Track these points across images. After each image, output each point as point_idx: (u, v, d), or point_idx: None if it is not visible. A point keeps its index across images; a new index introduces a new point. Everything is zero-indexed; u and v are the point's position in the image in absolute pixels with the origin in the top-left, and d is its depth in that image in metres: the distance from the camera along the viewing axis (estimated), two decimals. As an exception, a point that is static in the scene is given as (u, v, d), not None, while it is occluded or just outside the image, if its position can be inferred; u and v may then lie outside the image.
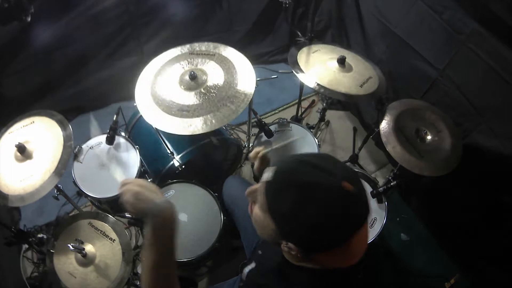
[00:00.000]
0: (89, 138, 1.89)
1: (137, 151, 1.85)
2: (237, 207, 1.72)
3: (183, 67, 1.76)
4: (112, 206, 1.88)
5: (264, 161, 1.28)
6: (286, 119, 2.08)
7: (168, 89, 1.67)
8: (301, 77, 1.80)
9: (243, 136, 2.67)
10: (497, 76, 1.64)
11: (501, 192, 1.78)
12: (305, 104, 2.89)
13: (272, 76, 2.26)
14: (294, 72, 1.82)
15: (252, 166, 1.44)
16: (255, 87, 1.69)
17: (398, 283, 2.03)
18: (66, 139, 1.58)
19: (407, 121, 1.81)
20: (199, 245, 1.68)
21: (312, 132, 2.09)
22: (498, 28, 1.58)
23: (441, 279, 2.01)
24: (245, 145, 2.37)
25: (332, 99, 2.61)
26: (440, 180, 1.74)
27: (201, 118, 1.57)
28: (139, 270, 2.07)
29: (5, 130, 1.64)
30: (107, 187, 1.76)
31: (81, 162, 1.81)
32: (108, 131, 1.77)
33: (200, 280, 2.09)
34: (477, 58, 1.70)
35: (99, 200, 1.80)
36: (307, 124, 2.72)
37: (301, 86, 2.25)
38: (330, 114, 2.84)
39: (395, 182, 1.76)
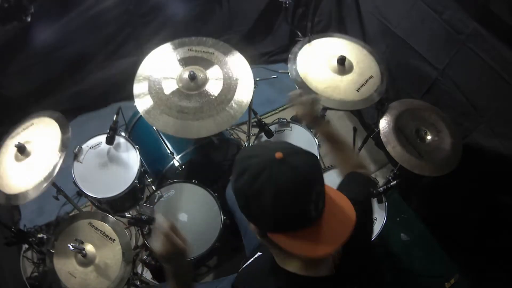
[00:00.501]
0: (89, 138, 1.89)
1: (137, 151, 1.85)
2: (238, 207, 1.72)
3: (183, 67, 1.76)
4: (112, 206, 1.89)
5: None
6: (286, 119, 2.08)
7: (168, 89, 1.67)
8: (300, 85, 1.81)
9: (243, 136, 2.67)
10: (497, 76, 1.64)
11: (501, 192, 1.78)
12: (305, 104, 2.89)
13: (272, 76, 2.26)
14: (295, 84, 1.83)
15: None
16: (255, 87, 1.69)
17: (398, 283, 2.03)
18: (64, 134, 1.58)
19: (407, 121, 1.81)
20: (199, 245, 1.68)
21: (312, 132, 2.09)
22: (498, 28, 1.58)
23: (441, 279, 2.00)
24: (245, 145, 2.37)
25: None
26: (440, 180, 1.74)
27: (200, 121, 1.57)
28: (139, 270, 2.07)
29: (7, 136, 1.65)
30: (107, 187, 1.76)
31: (81, 162, 1.81)
32: (108, 131, 1.77)
33: (200, 280, 2.09)
34: (477, 58, 1.70)
35: (99, 200, 1.80)
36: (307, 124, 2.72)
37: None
38: (330, 114, 2.83)
39: (395, 182, 1.76)
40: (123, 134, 1.90)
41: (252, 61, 1.76)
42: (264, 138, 1.99)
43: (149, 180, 2.03)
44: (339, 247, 0.84)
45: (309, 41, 1.96)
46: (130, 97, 1.68)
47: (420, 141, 1.77)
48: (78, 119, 2.77)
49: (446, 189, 2.02)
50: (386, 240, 2.13)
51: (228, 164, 2.33)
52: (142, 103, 1.63)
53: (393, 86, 2.24)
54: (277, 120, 2.08)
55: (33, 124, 1.65)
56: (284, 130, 2.06)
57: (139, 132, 2.07)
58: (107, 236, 1.63)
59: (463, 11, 1.71)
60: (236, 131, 2.71)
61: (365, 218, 1.04)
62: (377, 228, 1.74)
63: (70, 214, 2.29)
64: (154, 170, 2.00)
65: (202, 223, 1.77)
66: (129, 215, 1.65)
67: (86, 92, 2.72)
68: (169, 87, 1.68)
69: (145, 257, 1.86)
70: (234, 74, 1.72)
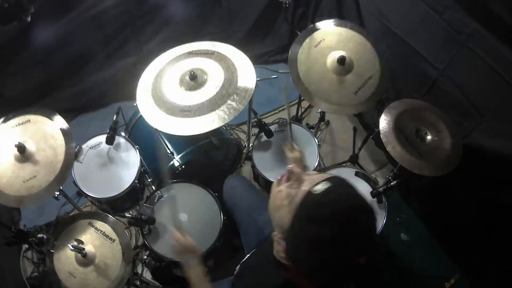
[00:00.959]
0: (89, 138, 1.89)
1: (137, 151, 1.85)
2: (237, 207, 1.72)
3: (183, 67, 1.75)
4: (112, 206, 1.89)
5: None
6: (286, 119, 2.08)
7: (169, 90, 1.67)
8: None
9: (243, 136, 2.67)
10: (497, 76, 1.64)
11: (501, 192, 1.78)
12: (305, 104, 2.89)
13: (272, 76, 2.27)
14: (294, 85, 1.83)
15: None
16: (255, 87, 1.69)
17: (398, 283, 2.03)
18: (68, 142, 1.58)
19: (407, 121, 1.81)
20: (199, 245, 1.66)
21: (312, 132, 2.09)
22: (498, 28, 1.58)
23: (441, 279, 2.00)
24: (245, 145, 2.37)
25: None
26: (440, 180, 1.74)
27: (203, 117, 1.57)
28: (139, 270, 2.07)
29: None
30: (107, 187, 1.76)
31: (81, 162, 1.81)
32: (108, 131, 1.77)
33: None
34: (477, 58, 1.70)
35: (99, 200, 1.80)
36: (307, 124, 2.72)
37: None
38: (330, 114, 2.83)
39: (395, 182, 1.76)
40: (123, 134, 1.90)
41: (252, 61, 1.76)
42: (264, 138, 1.99)
43: (149, 180, 2.03)
44: None
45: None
46: (130, 97, 1.68)
47: (420, 141, 1.77)
48: (78, 119, 2.77)
49: (446, 189, 2.02)
50: (386, 240, 2.13)
51: (228, 164, 2.33)
52: (144, 105, 1.63)
53: (393, 86, 2.24)
54: (277, 120, 2.08)
55: (29, 120, 1.64)
56: (284, 130, 2.06)
57: (139, 132, 2.07)
58: (107, 236, 1.63)
59: (463, 11, 1.71)
60: (236, 131, 2.71)
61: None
62: (377, 228, 1.74)
63: (70, 214, 2.29)
64: (154, 170, 2.00)
65: (202, 223, 1.77)
66: (129, 215, 1.65)
67: (86, 92, 2.72)
68: (170, 87, 1.68)
69: (145, 257, 1.86)
70: (234, 69, 1.72)
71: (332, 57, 1.83)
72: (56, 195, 1.70)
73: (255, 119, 1.97)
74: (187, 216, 1.77)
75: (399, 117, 1.81)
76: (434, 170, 1.69)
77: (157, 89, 1.68)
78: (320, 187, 0.82)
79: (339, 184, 0.85)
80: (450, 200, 2.06)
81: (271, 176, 1.91)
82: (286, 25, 2.98)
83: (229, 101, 1.61)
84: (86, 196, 1.77)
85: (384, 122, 1.80)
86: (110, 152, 1.86)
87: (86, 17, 2.35)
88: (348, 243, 0.79)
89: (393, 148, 1.72)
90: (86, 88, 2.70)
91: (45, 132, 1.61)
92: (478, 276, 1.99)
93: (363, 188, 1.87)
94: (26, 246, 2.13)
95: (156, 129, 1.60)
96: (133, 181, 1.78)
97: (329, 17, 2.82)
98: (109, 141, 1.77)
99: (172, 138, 1.95)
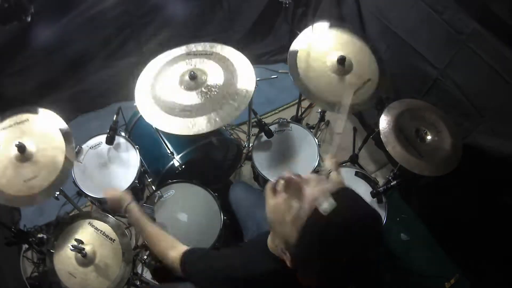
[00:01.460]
0: (89, 138, 1.89)
1: (137, 151, 1.85)
2: (241, 207, 1.76)
3: (182, 68, 1.75)
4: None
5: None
6: (286, 119, 2.08)
7: (169, 90, 1.67)
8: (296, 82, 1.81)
9: (243, 136, 2.67)
10: (497, 76, 1.64)
11: (501, 192, 1.78)
12: (305, 104, 2.89)
13: (272, 76, 2.27)
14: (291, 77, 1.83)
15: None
16: (255, 87, 1.69)
17: (398, 283, 2.03)
18: (68, 142, 1.58)
19: (407, 121, 1.81)
20: (199, 245, 1.68)
21: (312, 132, 2.09)
22: (498, 28, 1.58)
23: (441, 279, 2.00)
24: (245, 145, 2.37)
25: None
26: (440, 180, 1.74)
27: (204, 117, 1.57)
28: (139, 270, 2.07)
29: None
30: (107, 187, 1.75)
31: (81, 162, 1.81)
32: (108, 131, 1.77)
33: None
34: (477, 58, 1.70)
35: (99, 200, 1.80)
36: (307, 124, 2.72)
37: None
38: (330, 114, 2.83)
39: (395, 182, 1.76)
40: (123, 134, 1.90)
41: (252, 61, 1.76)
42: (264, 138, 1.99)
43: (149, 180, 2.03)
44: None
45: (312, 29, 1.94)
46: (130, 97, 1.68)
47: (420, 141, 1.77)
48: (78, 119, 2.77)
49: (446, 189, 2.02)
50: (386, 240, 2.13)
51: (228, 164, 2.33)
52: (145, 106, 1.63)
53: (393, 86, 2.24)
54: (277, 120, 2.08)
55: (28, 120, 1.63)
56: (284, 130, 2.06)
57: (139, 132, 2.07)
58: (107, 236, 1.63)
59: (463, 11, 1.71)
60: (236, 131, 2.71)
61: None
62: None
63: (70, 214, 2.29)
64: (154, 170, 2.00)
65: (202, 223, 1.77)
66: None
67: (86, 92, 2.72)
68: (171, 88, 1.68)
69: (145, 257, 1.86)
70: (233, 70, 1.73)
71: (332, 58, 1.83)
72: (56, 195, 1.70)
73: (255, 119, 1.97)
74: (187, 216, 1.77)
75: (399, 117, 1.81)
76: (434, 170, 1.69)
77: (156, 90, 1.68)
78: (328, 207, 0.79)
79: (346, 200, 0.82)
80: (450, 200, 2.06)
81: (271, 176, 1.91)
82: (286, 25, 2.98)
83: (230, 101, 1.61)
84: (86, 196, 1.77)
85: (384, 122, 1.80)
86: (110, 152, 1.86)
87: (86, 17, 2.35)
88: (359, 254, 0.81)
89: (393, 148, 1.72)
90: (86, 88, 2.70)
91: (45, 132, 1.61)
92: (478, 276, 1.99)
93: (363, 188, 1.87)
94: (26, 246, 2.12)
95: (156, 129, 1.61)
96: (133, 181, 1.78)
97: (329, 17, 2.84)
98: (109, 141, 1.77)
99: (172, 138, 1.95)
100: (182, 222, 1.75)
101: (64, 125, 1.64)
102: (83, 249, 1.52)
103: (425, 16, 1.91)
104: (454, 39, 1.78)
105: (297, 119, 2.54)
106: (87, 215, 1.69)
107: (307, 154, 1.98)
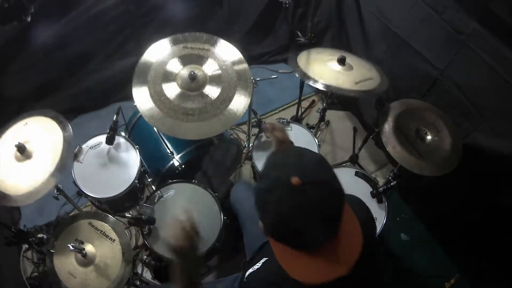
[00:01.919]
0: (89, 138, 1.89)
1: (137, 151, 1.85)
2: (242, 207, 1.75)
3: (182, 68, 1.75)
4: (112, 206, 1.88)
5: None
6: (286, 119, 2.08)
7: (169, 91, 1.67)
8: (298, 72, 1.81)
9: (243, 136, 2.67)
10: (497, 76, 1.64)
11: (501, 192, 1.78)
12: (305, 104, 2.89)
13: (272, 76, 2.27)
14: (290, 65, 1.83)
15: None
16: (255, 87, 1.69)
17: (398, 283, 2.03)
18: (66, 137, 1.58)
19: (407, 121, 1.81)
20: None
21: (312, 132, 2.09)
22: (498, 28, 1.58)
23: (441, 279, 2.01)
24: (245, 145, 2.37)
25: (332, 99, 2.61)
26: (440, 180, 1.74)
27: (207, 122, 1.58)
28: (139, 270, 2.07)
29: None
30: (107, 187, 1.76)
31: (81, 162, 1.81)
32: (108, 131, 1.77)
33: (200, 280, 2.09)
34: (477, 58, 1.70)
35: (99, 200, 1.80)
36: (307, 124, 2.72)
37: (301, 86, 2.25)
38: (330, 114, 2.83)
39: (395, 182, 1.76)
40: (123, 134, 1.90)
41: (252, 61, 1.76)
42: (264, 138, 1.99)
43: (149, 180, 2.03)
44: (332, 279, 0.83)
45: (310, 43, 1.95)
46: (130, 97, 1.68)
47: (420, 141, 1.77)
48: (78, 119, 2.77)
49: (446, 189, 2.02)
50: (386, 240, 2.13)
51: (228, 164, 2.33)
52: (146, 108, 1.63)
53: (393, 86, 2.24)
54: (277, 120, 2.07)
55: (26, 123, 1.64)
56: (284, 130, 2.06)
57: (139, 132, 2.07)
58: (107, 236, 1.63)
59: (464, 11, 1.71)
60: (236, 131, 2.71)
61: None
62: (377, 228, 1.74)
63: (70, 214, 2.29)
64: (154, 170, 2.00)
65: (202, 223, 1.77)
66: (129, 215, 1.65)
67: (86, 92, 2.72)
68: (171, 90, 1.68)
69: (145, 257, 1.86)
70: (231, 67, 1.73)
71: (332, 59, 1.84)
72: (56, 195, 1.70)
73: (255, 119, 1.97)
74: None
75: (399, 117, 1.81)
76: (434, 170, 1.69)
77: (156, 90, 1.68)
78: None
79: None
80: (450, 200, 2.06)
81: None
82: (286, 25, 2.98)
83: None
84: (86, 196, 1.77)
85: (384, 122, 1.80)
86: (110, 152, 1.86)
87: (86, 17, 2.35)
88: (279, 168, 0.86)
89: (393, 148, 1.72)
90: (86, 88, 2.70)
91: (45, 131, 1.61)
92: (478, 276, 1.99)
93: (363, 188, 1.87)
94: (26, 246, 2.12)
95: (156, 129, 1.61)
96: (133, 181, 1.78)
97: (329, 17, 2.84)
98: (109, 141, 1.77)
99: (172, 138, 1.95)
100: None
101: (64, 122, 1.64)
102: (83, 249, 1.52)
103: (425, 16, 1.91)
104: (454, 39, 1.78)
105: (297, 119, 2.54)
106: (87, 215, 1.69)
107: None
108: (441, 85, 1.95)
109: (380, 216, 1.77)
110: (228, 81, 1.69)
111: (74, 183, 1.76)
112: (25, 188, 1.49)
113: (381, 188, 1.77)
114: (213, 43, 1.80)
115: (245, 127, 2.69)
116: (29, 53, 2.35)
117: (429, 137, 1.78)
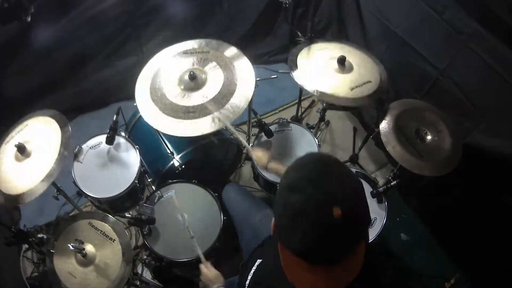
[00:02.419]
0: (89, 138, 1.89)
1: (137, 151, 1.85)
2: (234, 211, 1.77)
3: (180, 68, 1.76)
4: (112, 206, 1.88)
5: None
6: (286, 119, 2.08)
7: (169, 91, 1.67)
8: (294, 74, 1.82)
9: (243, 136, 2.67)
10: (497, 76, 1.64)
11: (501, 192, 1.78)
12: (305, 104, 2.89)
13: (272, 76, 2.26)
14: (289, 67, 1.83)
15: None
16: (255, 87, 1.69)
17: (398, 283, 2.03)
18: (66, 137, 1.58)
19: (407, 121, 1.81)
20: (199, 245, 1.68)
21: (312, 132, 2.09)
22: (498, 28, 1.58)
23: (441, 279, 2.00)
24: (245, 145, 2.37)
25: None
26: (440, 180, 1.74)
27: (207, 117, 1.58)
28: (139, 270, 2.07)
29: (1, 142, 1.64)
30: (107, 187, 1.76)
31: (81, 162, 1.81)
32: (108, 131, 1.77)
33: (200, 280, 2.09)
34: (477, 58, 1.70)
35: (99, 200, 1.80)
36: (307, 124, 2.72)
37: (301, 86, 2.25)
38: (330, 114, 2.83)
39: (395, 182, 1.76)
40: (123, 134, 1.90)
41: (252, 61, 1.76)
42: (264, 138, 1.99)
43: (149, 180, 2.03)
44: None
45: (309, 44, 1.96)
46: (130, 97, 1.68)
47: (420, 141, 1.77)
48: (78, 119, 2.77)
49: (446, 189, 2.02)
50: (386, 240, 2.13)
51: (228, 164, 2.33)
52: (147, 109, 1.63)
53: (393, 86, 2.24)
54: (277, 120, 2.07)
55: (27, 125, 1.65)
56: (284, 130, 2.06)
57: (139, 132, 2.07)
58: (107, 236, 1.63)
59: (464, 11, 1.71)
60: (236, 131, 2.71)
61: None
62: (377, 228, 1.74)
63: (70, 214, 2.29)
64: (154, 170, 2.00)
65: (202, 223, 1.77)
66: (129, 215, 1.65)
67: (86, 92, 2.72)
68: (171, 90, 1.68)
69: (145, 257, 1.86)
70: (232, 66, 1.73)
71: (332, 59, 1.84)
72: (56, 195, 1.70)
73: (255, 119, 1.97)
74: (187, 216, 1.77)
75: (399, 117, 1.81)
76: (434, 170, 1.69)
77: (156, 89, 1.68)
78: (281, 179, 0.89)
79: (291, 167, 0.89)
80: (450, 200, 2.06)
81: (271, 176, 1.90)
82: (286, 25, 2.98)
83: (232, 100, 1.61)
84: (86, 196, 1.77)
85: (384, 122, 1.80)
86: (110, 152, 1.86)
87: (86, 17, 2.35)
88: (316, 192, 0.78)
89: (393, 148, 1.72)
90: (86, 88, 2.70)
91: (44, 131, 1.61)
92: (478, 276, 1.99)
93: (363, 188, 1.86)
94: (26, 246, 2.13)
95: (156, 129, 1.61)
96: (133, 181, 1.78)
97: (329, 17, 2.84)
98: (109, 141, 1.77)
99: (172, 138, 1.95)
100: (182, 222, 1.75)
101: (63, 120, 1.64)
102: (83, 249, 1.52)
103: (425, 16, 1.91)
104: (454, 39, 1.78)
105: (297, 119, 2.54)
106: (87, 215, 1.69)
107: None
108: (441, 85, 1.95)
109: (380, 216, 1.77)
110: (228, 80, 1.69)
111: (74, 183, 1.76)
112: (25, 188, 1.49)
113: (381, 188, 1.77)
114: (213, 46, 1.80)
115: (245, 127, 2.69)
116: (29, 53, 2.35)
117: (429, 137, 1.78)
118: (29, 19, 2.03)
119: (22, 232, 1.79)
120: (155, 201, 1.78)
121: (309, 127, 2.59)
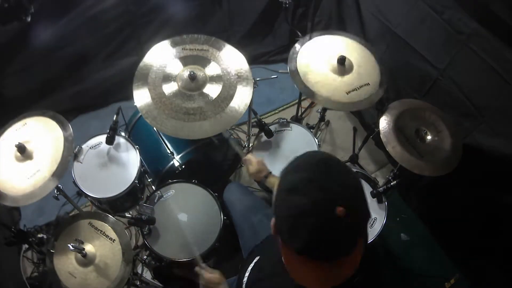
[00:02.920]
0: (89, 138, 1.89)
1: (137, 151, 1.85)
2: (234, 210, 1.76)
3: (181, 68, 1.75)
4: (112, 206, 1.89)
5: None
6: (286, 119, 2.08)
7: (170, 92, 1.67)
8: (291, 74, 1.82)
9: (243, 136, 2.67)
10: (497, 76, 1.64)
11: (501, 192, 1.78)
12: (305, 104, 2.89)
13: (272, 76, 2.26)
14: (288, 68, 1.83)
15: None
16: (255, 87, 1.69)
17: (398, 283, 2.03)
18: (67, 138, 1.58)
19: (407, 121, 1.81)
20: (199, 245, 1.68)
21: (312, 132, 2.09)
22: (498, 28, 1.58)
23: (441, 279, 2.00)
24: (245, 145, 2.37)
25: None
26: (440, 180, 1.74)
27: (208, 120, 1.58)
28: (139, 270, 2.07)
29: None
30: (107, 187, 1.76)
31: (81, 162, 1.81)
32: (108, 131, 1.77)
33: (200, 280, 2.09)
34: (477, 58, 1.70)
35: (99, 200, 1.80)
36: (307, 124, 2.72)
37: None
38: (330, 114, 2.83)
39: (395, 182, 1.76)
40: (123, 134, 1.90)
41: (252, 61, 1.76)
42: (264, 138, 1.99)
43: (149, 180, 2.03)
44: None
45: (310, 38, 1.95)
46: (130, 97, 1.68)
47: (420, 141, 1.77)
48: (78, 119, 2.77)
49: (446, 189, 2.02)
50: (386, 240, 2.13)
51: (228, 164, 2.33)
52: (147, 110, 1.63)
53: (393, 86, 2.24)
54: (277, 120, 2.07)
55: (26, 124, 1.64)
56: (284, 130, 2.06)
57: (139, 132, 2.07)
58: (107, 236, 1.63)
59: (463, 11, 1.71)
60: (236, 131, 2.71)
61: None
62: (377, 228, 1.74)
63: (70, 214, 2.29)
64: (154, 170, 2.00)
65: (202, 223, 1.77)
66: (129, 215, 1.65)
67: (86, 92, 2.72)
68: (171, 90, 1.68)
69: (145, 257, 1.86)
70: (231, 68, 1.73)
71: (333, 57, 1.83)
72: (56, 195, 1.70)
73: (255, 119, 1.97)
74: (187, 216, 1.77)
75: (399, 117, 1.81)
76: (434, 170, 1.69)
77: (156, 91, 1.68)
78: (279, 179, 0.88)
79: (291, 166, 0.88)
80: (450, 200, 2.06)
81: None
82: (286, 25, 2.98)
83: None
84: (86, 196, 1.77)
85: (384, 122, 1.80)
86: (110, 152, 1.86)
87: (86, 17, 2.35)
88: (318, 190, 0.78)
89: (393, 148, 1.72)
90: (86, 88, 2.70)
91: (45, 131, 1.61)
92: (478, 276, 1.99)
93: (363, 188, 1.86)
94: (26, 246, 2.13)
95: (156, 129, 1.61)
96: (133, 181, 1.78)
97: (329, 17, 2.84)
98: (109, 141, 1.77)
99: (172, 138, 1.95)
100: (182, 222, 1.75)
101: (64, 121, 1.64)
102: (83, 249, 1.52)
103: (425, 16, 1.91)
104: (454, 39, 1.78)
105: (297, 119, 2.54)
106: (87, 215, 1.69)
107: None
108: (441, 85, 1.95)
109: (380, 216, 1.77)
110: (228, 80, 1.70)
111: (74, 183, 1.76)
112: (25, 188, 1.49)
113: (381, 188, 1.77)
114: (212, 44, 1.80)
115: (245, 127, 2.69)
116: (29, 53, 2.35)
117: (429, 137, 1.78)
118: (29, 19, 2.03)
119: (22, 232, 1.79)
120: (155, 201, 1.78)
121: (309, 127, 2.59)
